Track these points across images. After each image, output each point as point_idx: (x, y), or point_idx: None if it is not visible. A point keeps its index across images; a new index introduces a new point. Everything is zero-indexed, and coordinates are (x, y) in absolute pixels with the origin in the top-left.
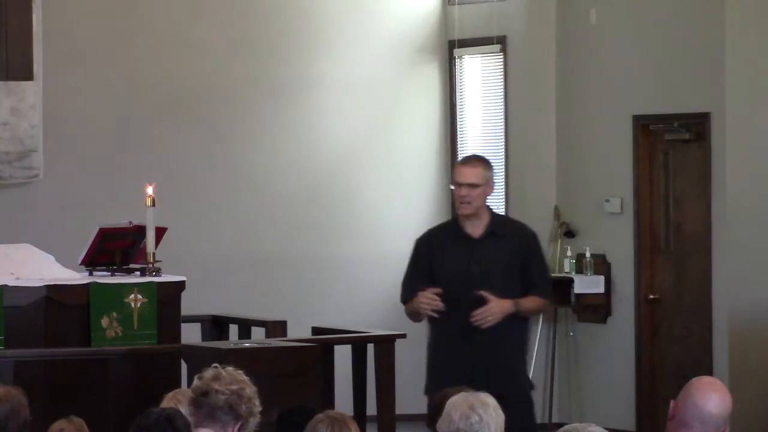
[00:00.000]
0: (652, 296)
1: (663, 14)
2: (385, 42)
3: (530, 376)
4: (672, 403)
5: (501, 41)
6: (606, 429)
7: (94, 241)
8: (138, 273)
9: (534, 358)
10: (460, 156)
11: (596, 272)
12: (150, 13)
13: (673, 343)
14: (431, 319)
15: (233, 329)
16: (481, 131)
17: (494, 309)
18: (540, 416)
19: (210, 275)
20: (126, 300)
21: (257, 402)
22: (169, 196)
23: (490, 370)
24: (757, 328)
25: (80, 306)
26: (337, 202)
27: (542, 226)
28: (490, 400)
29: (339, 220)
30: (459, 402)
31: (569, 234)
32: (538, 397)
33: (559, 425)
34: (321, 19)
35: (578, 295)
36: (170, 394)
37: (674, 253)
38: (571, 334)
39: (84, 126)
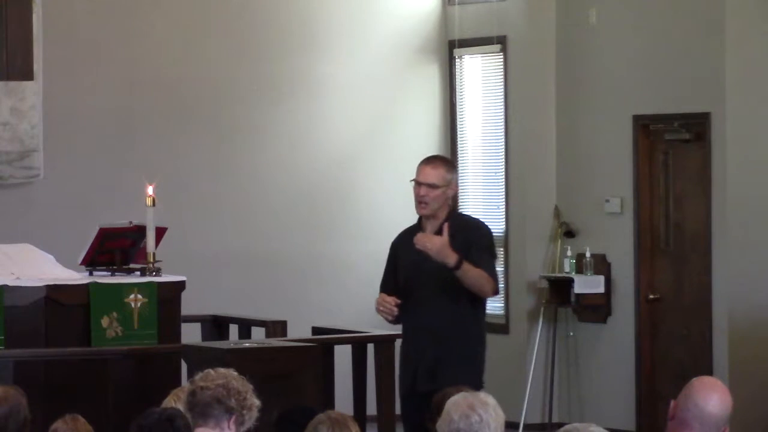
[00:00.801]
0: (652, 296)
1: (663, 14)
2: (385, 42)
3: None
4: (672, 402)
5: (501, 41)
6: (606, 429)
7: (94, 241)
8: (138, 273)
9: (534, 358)
10: (461, 156)
11: (596, 272)
12: (151, 13)
13: (673, 342)
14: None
15: (233, 329)
16: (481, 131)
17: (436, 241)
18: (540, 416)
19: (210, 275)
20: (126, 300)
21: (250, 395)
22: (169, 196)
23: (435, 369)
24: (757, 328)
25: (80, 306)
26: (338, 202)
27: (542, 226)
28: (490, 400)
29: (340, 219)
30: (459, 402)
31: (569, 234)
32: (538, 397)
33: (559, 425)
34: (321, 19)
35: (578, 295)
36: (172, 392)
37: (674, 253)
38: (571, 334)
39: (84, 126)
